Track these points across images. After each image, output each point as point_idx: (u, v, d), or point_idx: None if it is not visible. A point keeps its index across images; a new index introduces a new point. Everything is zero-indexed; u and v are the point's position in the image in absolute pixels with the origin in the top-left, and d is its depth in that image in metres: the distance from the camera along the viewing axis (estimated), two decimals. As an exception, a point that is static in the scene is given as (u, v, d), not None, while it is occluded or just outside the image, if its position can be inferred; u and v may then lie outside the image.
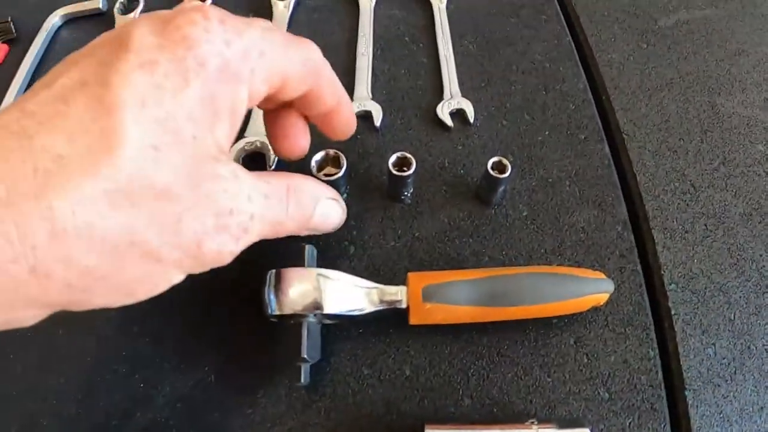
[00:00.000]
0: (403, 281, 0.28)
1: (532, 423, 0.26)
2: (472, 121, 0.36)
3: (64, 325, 0.29)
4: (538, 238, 0.33)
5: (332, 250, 0.32)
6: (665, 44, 0.42)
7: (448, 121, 0.36)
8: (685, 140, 0.37)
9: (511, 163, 0.30)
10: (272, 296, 0.27)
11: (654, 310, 0.31)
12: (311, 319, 0.27)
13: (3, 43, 0.42)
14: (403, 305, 0.28)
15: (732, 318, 0.31)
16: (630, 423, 0.28)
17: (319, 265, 0.29)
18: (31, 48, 0.41)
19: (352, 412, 0.28)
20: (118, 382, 0.28)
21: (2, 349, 0.29)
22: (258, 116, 0.35)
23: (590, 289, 0.28)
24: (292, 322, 0.27)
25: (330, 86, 0.26)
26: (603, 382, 0.29)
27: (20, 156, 0.16)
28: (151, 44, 0.18)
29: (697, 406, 0.29)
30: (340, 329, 0.30)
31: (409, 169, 0.30)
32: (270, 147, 0.33)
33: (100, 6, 0.44)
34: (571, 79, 0.39)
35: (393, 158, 0.30)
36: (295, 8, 0.43)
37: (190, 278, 0.30)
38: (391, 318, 0.29)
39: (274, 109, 0.28)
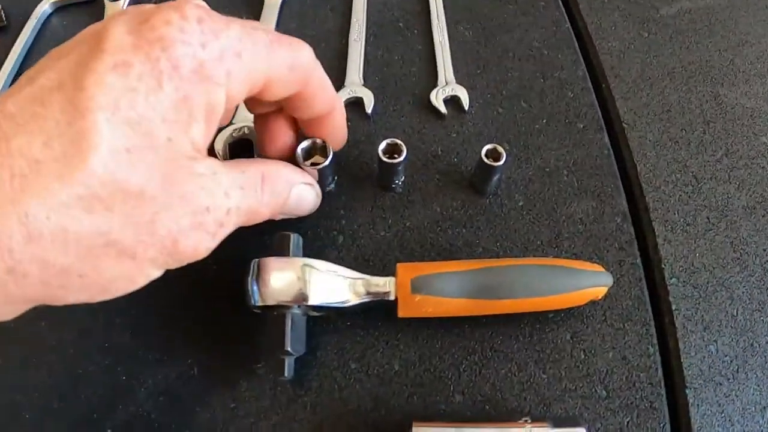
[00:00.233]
0: (392, 272, 0.27)
1: (525, 421, 0.25)
2: (466, 108, 0.35)
3: (47, 318, 0.29)
4: (535, 229, 0.31)
5: (320, 240, 0.31)
6: (667, 33, 0.41)
7: (442, 108, 0.35)
8: (687, 131, 0.36)
9: (506, 151, 0.29)
10: (255, 287, 0.25)
11: (654, 305, 0.30)
12: (296, 310, 0.26)
13: (-7, 30, 0.41)
14: (392, 297, 0.26)
15: (735, 314, 0.30)
16: (628, 422, 0.27)
17: (306, 255, 0.28)
18: (21, 36, 0.41)
19: (339, 408, 0.27)
20: (101, 374, 0.27)
21: (-20, 343, 0.28)
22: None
23: (588, 283, 0.27)
24: (275, 314, 0.26)
25: (321, 91, 0.25)
26: (600, 380, 0.28)
27: None
28: (125, 44, 0.18)
29: (698, 405, 0.28)
30: (327, 322, 0.29)
31: (399, 156, 0.29)
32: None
33: (90, -8, 0.43)
34: (570, 66, 0.38)
35: (383, 145, 0.29)
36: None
37: (174, 269, 0.29)
38: (380, 310, 0.28)
39: (264, 113, 0.28)
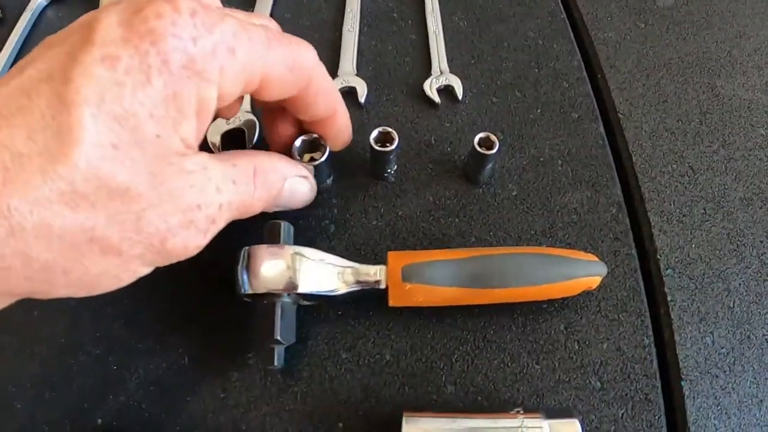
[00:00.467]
0: (384, 261, 0.27)
1: (518, 412, 0.24)
2: (460, 97, 0.35)
3: (39, 308, 0.28)
4: (528, 218, 0.31)
5: (311, 229, 0.30)
6: (664, 24, 0.41)
7: (436, 98, 0.35)
8: (683, 122, 0.36)
9: (500, 140, 0.29)
10: (245, 275, 0.25)
11: (649, 296, 0.30)
12: (286, 299, 0.26)
13: (-13, 23, 0.41)
14: (383, 286, 0.26)
15: (731, 306, 0.30)
16: (623, 414, 0.27)
17: (297, 244, 0.27)
18: (16, 29, 0.40)
19: (329, 398, 0.26)
20: (92, 364, 0.27)
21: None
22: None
23: (581, 272, 0.27)
24: (265, 303, 0.26)
25: (323, 95, 0.25)
26: (595, 371, 0.27)
27: None
28: (115, 36, 0.17)
29: (693, 398, 0.27)
30: (318, 311, 0.28)
31: (391, 144, 0.29)
32: (252, 125, 0.33)
33: (84, -15, 0.42)
34: (565, 56, 0.37)
35: (375, 133, 0.29)
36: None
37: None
38: (371, 300, 0.28)
39: (271, 107, 0.27)
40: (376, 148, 0.29)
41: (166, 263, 0.20)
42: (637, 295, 0.29)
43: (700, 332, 0.29)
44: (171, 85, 0.18)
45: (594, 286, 0.27)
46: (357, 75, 0.36)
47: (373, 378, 0.27)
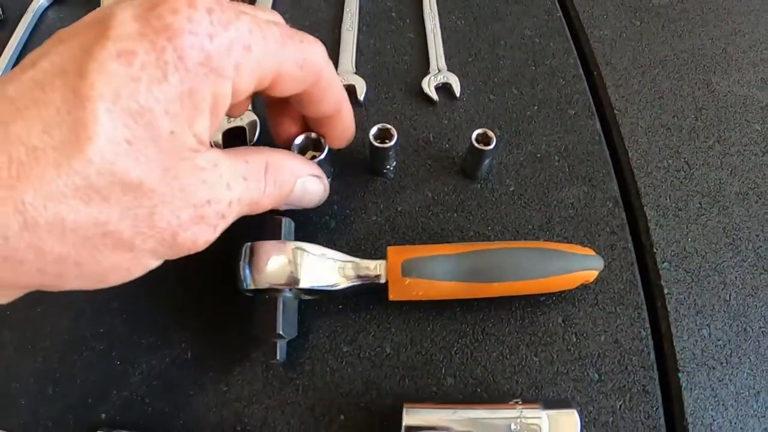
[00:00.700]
0: (384, 256, 0.27)
1: (516, 403, 0.25)
2: (458, 95, 0.35)
3: (42, 304, 0.29)
4: (526, 213, 0.32)
5: (312, 225, 0.31)
6: (659, 22, 0.41)
7: (434, 95, 0.35)
8: (679, 117, 0.36)
9: (497, 137, 0.29)
10: (247, 270, 0.26)
11: (646, 289, 0.30)
12: (287, 293, 0.26)
13: (-11, 24, 0.42)
14: (383, 280, 0.26)
15: (727, 299, 0.30)
16: (620, 405, 0.27)
17: (298, 240, 0.28)
18: (17, 30, 0.41)
19: (331, 391, 0.27)
20: (95, 359, 0.27)
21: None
22: None
23: (578, 266, 0.27)
24: (267, 297, 0.26)
25: (330, 91, 0.25)
26: (592, 363, 0.28)
27: None
28: (131, 31, 0.17)
29: (690, 389, 0.28)
30: (319, 305, 0.29)
31: (390, 140, 0.29)
32: (254, 124, 0.33)
33: (86, -14, 0.43)
34: (562, 54, 0.38)
35: (374, 130, 0.29)
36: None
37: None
38: (371, 294, 0.28)
39: (277, 102, 0.28)
40: (376, 144, 0.29)
41: (176, 257, 0.21)
42: (634, 288, 0.30)
43: (696, 324, 0.29)
44: (187, 81, 0.18)
45: (591, 280, 0.28)
46: (356, 73, 0.36)
47: (374, 371, 0.27)
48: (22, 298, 0.28)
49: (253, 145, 0.33)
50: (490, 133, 0.29)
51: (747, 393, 0.28)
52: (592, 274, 0.27)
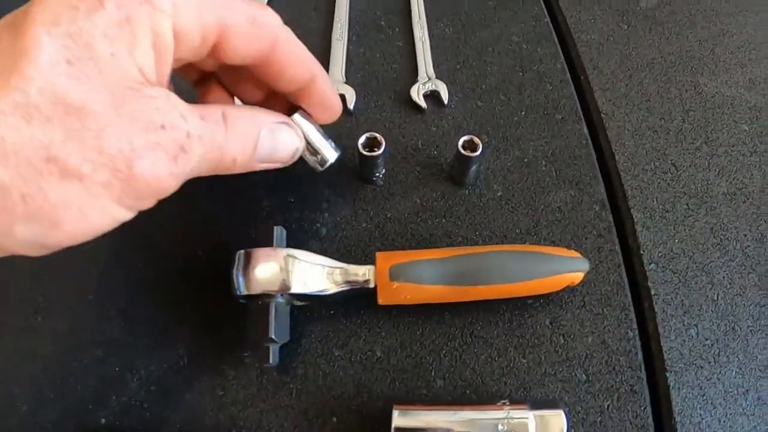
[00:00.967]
0: (373, 262, 0.28)
1: (504, 404, 0.25)
2: (446, 102, 0.36)
3: (42, 311, 0.29)
4: (513, 218, 0.32)
5: (303, 232, 0.32)
6: (647, 25, 0.42)
7: (422, 103, 0.36)
8: (666, 120, 0.37)
9: (485, 143, 0.30)
10: (240, 277, 0.26)
11: (633, 291, 0.31)
12: (279, 299, 0.27)
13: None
14: (372, 285, 0.27)
15: (715, 298, 0.31)
16: (609, 405, 0.27)
17: (289, 246, 0.29)
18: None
19: (323, 394, 0.27)
20: (94, 365, 0.28)
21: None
22: None
23: (564, 268, 0.28)
24: (260, 303, 0.27)
25: (294, 55, 0.24)
26: (580, 364, 0.28)
27: None
28: None
29: (678, 388, 0.28)
30: (311, 310, 0.29)
31: (378, 149, 0.30)
32: None
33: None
34: (549, 59, 0.38)
35: (362, 139, 0.30)
36: (272, -3, 0.43)
37: (162, 259, 0.30)
38: (362, 299, 0.29)
39: (240, 81, 0.27)
40: (364, 152, 0.30)
41: (141, 200, 0.20)
42: (621, 289, 0.30)
43: (684, 324, 0.30)
44: (123, 8, 0.18)
45: (577, 282, 0.28)
46: (346, 82, 0.37)
47: (365, 374, 0.28)
48: (22, 305, 0.29)
49: None
50: (477, 140, 0.30)
51: (735, 391, 0.28)
52: (577, 276, 0.28)
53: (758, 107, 0.38)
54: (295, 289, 0.26)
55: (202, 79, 0.28)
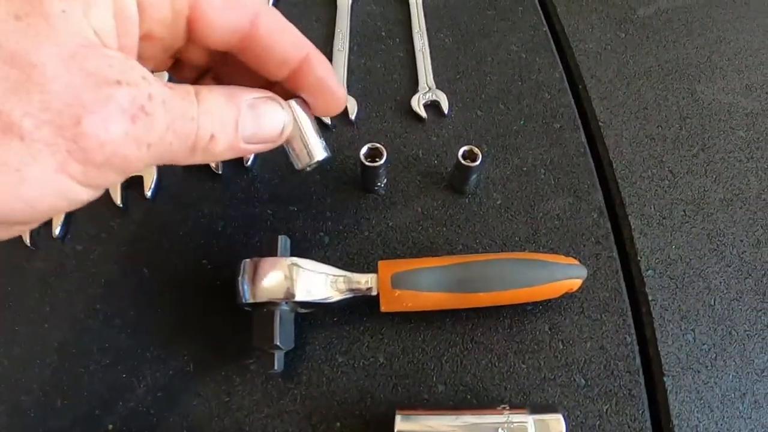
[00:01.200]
0: (375, 270, 0.28)
1: (504, 408, 0.26)
2: (446, 112, 0.37)
3: (49, 320, 0.30)
4: (513, 226, 0.33)
5: (307, 241, 0.32)
6: (644, 33, 0.42)
7: (422, 113, 0.36)
8: (663, 127, 0.37)
9: (484, 152, 0.31)
10: (245, 285, 0.27)
11: (631, 297, 0.31)
12: (284, 306, 0.27)
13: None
14: (374, 293, 0.28)
15: (712, 303, 0.31)
16: (607, 409, 0.28)
17: (293, 255, 0.29)
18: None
19: (327, 399, 0.28)
20: (101, 373, 0.29)
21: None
22: None
23: (562, 275, 0.28)
24: (265, 311, 0.27)
25: (280, 32, 0.23)
26: (579, 369, 0.29)
27: None
28: None
29: (676, 392, 0.29)
30: (315, 318, 0.30)
31: (380, 159, 0.31)
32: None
33: None
34: (547, 68, 0.39)
35: (364, 149, 0.31)
36: (273, 6, 0.43)
37: (168, 268, 0.31)
38: (364, 306, 0.29)
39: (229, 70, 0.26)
40: (366, 163, 0.31)
41: (93, 169, 0.17)
42: (619, 295, 0.31)
43: (681, 330, 0.30)
44: None
45: (575, 288, 0.29)
46: (347, 93, 0.37)
47: (368, 380, 0.28)
48: (29, 314, 0.30)
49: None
50: (476, 150, 0.30)
51: (733, 395, 0.29)
52: (576, 283, 0.29)
53: (755, 113, 0.38)
54: (300, 296, 0.27)
55: (197, 79, 0.27)
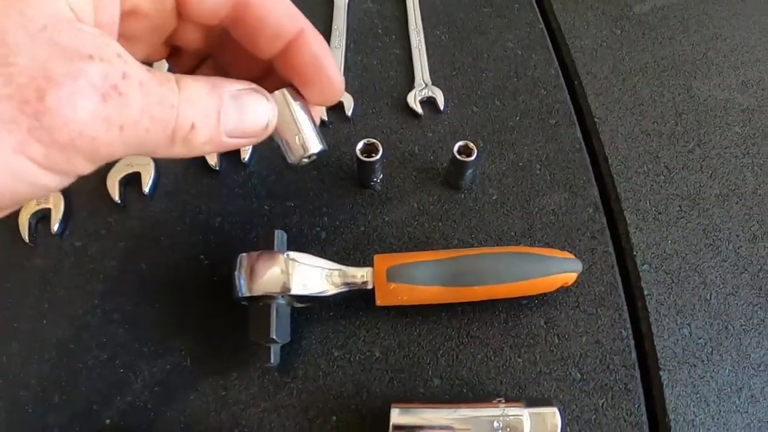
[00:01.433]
0: (371, 264, 0.29)
1: (500, 401, 0.26)
2: (442, 108, 0.37)
3: (48, 316, 0.30)
4: (508, 221, 0.33)
5: (303, 236, 0.32)
6: (640, 30, 0.42)
7: (418, 109, 0.36)
8: (659, 123, 0.37)
9: (480, 148, 0.31)
10: (242, 279, 0.27)
11: (627, 291, 0.31)
12: (280, 300, 0.27)
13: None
14: (370, 286, 0.28)
15: (708, 298, 0.31)
16: (603, 403, 0.28)
17: (290, 250, 0.29)
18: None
19: (323, 393, 0.28)
20: (99, 368, 0.29)
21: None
22: None
23: (557, 269, 0.28)
24: (261, 305, 0.27)
25: (275, 2, 0.22)
26: (575, 363, 0.29)
27: None
28: None
29: (672, 387, 0.29)
30: (311, 312, 0.30)
31: (376, 154, 0.31)
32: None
33: None
34: (543, 65, 0.39)
35: (360, 145, 0.31)
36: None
37: (165, 264, 0.31)
38: (360, 300, 0.29)
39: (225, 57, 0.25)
40: (362, 158, 0.31)
41: (57, 151, 0.16)
42: (615, 290, 0.31)
43: (677, 324, 0.30)
44: None
45: (570, 282, 0.29)
46: (344, 90, 0.38)
47: (364, 373, 0.29)
48: (28, 310, 0.30)
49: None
50: (472, 145, 0.31)
51: (729, 389, 0.29)
52: (571, 277, 0.29)
53: (750, 110, 0.38)
54: (296, 290, 0.27)
55: (196, 69, 0.27)
